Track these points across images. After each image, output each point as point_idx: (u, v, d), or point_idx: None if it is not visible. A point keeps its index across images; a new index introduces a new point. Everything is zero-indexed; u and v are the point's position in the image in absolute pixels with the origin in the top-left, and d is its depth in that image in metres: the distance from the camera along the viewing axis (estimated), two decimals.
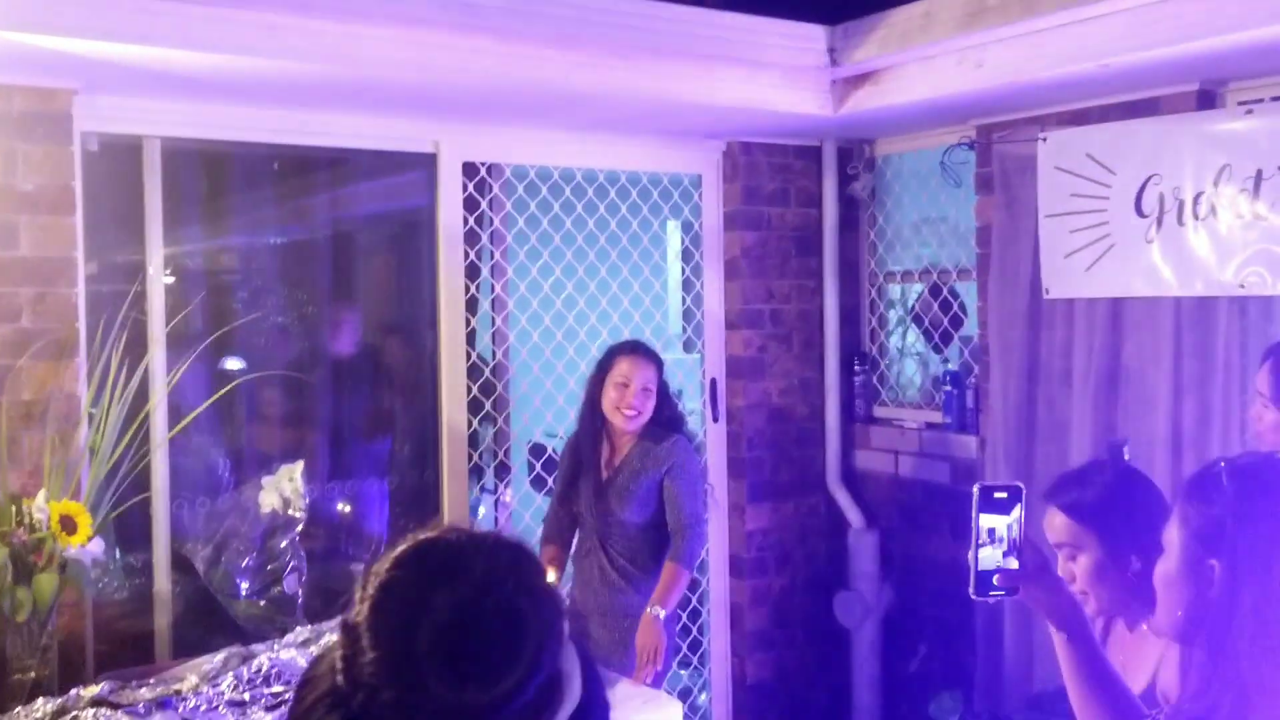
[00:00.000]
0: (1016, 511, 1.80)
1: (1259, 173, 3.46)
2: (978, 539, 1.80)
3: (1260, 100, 3.60)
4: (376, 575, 1.12)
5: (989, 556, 1.80)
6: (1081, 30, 3.28)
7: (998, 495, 1.80)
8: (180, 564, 3.68)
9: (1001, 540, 1.79)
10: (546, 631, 1.11)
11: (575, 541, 3.85)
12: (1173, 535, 1.59)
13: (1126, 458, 2.81)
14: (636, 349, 3.75)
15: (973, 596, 1.82)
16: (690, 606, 4.73)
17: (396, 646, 1.07)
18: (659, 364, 3.74)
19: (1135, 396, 3.90)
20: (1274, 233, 3.44)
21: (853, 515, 4.93)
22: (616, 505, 3.66)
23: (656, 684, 3.56)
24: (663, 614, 3.56)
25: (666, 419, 3.76)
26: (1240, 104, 3.65)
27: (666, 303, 4.99)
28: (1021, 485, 1.81)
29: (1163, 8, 3.07)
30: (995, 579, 1.79)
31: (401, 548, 1.14)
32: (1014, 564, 1.79)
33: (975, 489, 1.81)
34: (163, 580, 3.71)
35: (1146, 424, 3.83)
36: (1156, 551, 1.64)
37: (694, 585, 4.71)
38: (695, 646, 4.81)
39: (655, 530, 3.70)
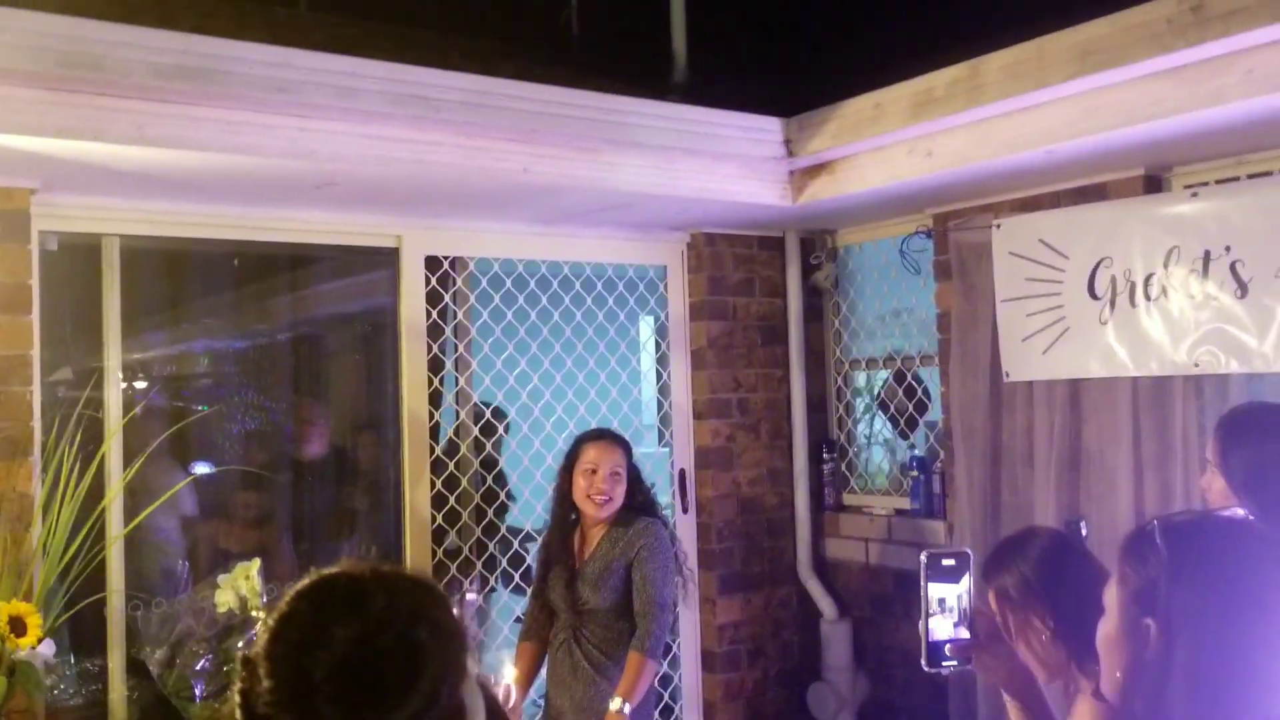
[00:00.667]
0: (965, 580, 1.79)
1: (1206, 254, 3.53)
2: (928, 609, 1.78)
3: (1205, 184, 3.69)
4: (277, 608, 1.12)
5: (940, 626, 1.78)
6: (1026, 118, 3.36)
7: (945, 563, 1.79)
8: (137, 669, 3.59)
9: (952, 610, 1.78)
10: (447, 665, 1.11)
11: (551, 636, 3.77)
12: (1111, 596, 1.58)
13: (1084, 534, 2.83)
14: (602, 435, 3.73)
15: (925, 668, 1.80)
16: (662, 703, 4.64)
17: (292, 676, 1.07)
18: (626, 448, 3.70)
19: (1097, 476, 3.92)
20: (1225, 312, 3.49)
21: (825, 605, 4.89)
22: (589, 593, 3.59)
23: None
24: (627, 707, 3.44)
25: (639, 505, 3.70)
26: (1186, 188, 3.73)
27: (634, 394, 4.99)
28: (969, 551, 1.80)
29: (1104, 95, 3.15)
30: (948, 649, 1.78)
31: (303, 581, 1.14)
32: (965, 633, 1.78)
33: (923, 557, 1.80)
34: (118, 685, 3.62)
35: (1109, 503, 3.84)
36: (1085, 614, 1.64)
37: (665, 680, 4.64)
38: None
39: (629, 618, 3.61)
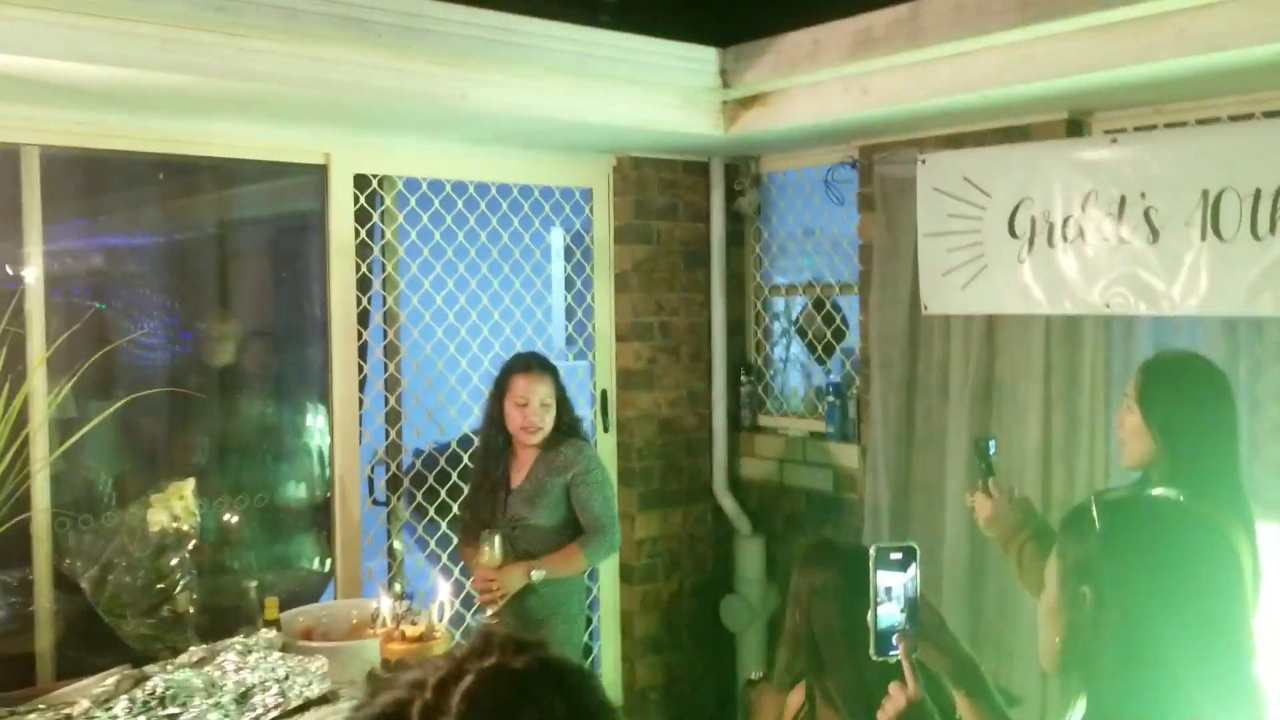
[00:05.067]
0: (912, 570, 1.85)
1: (1123, 199, 3.65)
2: (876, 599, 1.84)
3: (1124, 130, 3.81)
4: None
5: (888, 615, 1.84)
6: (963, 63, 3.42)
7: (893, 556, 1.85)
8: (61, 583, 3.58)
9: (899, 599, 1.84)
10: None
11: None
12: (1051, 570, 1.69)
13: (993, 453, 2.98)
14: (529, 366, 3.80)
15: (874, 657, 1.86)
16: (591, 626, 4.79)
17: None
18: (555, 376, 3.81)
19: (1008, 409, 4.08)
20: (1137, 256, 3.63)
21: (739, 522, 5.05)
22: (526, 510, 3.76)
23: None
24: (537, 574, 3.63)
25: (566, 426, 3.84)
26: (1106, 132, 3.85)
27: (549, 310, 5.03)
28: (915, 545, 1.86)
29: (1040, 45, 3.22)
30: (895, 638, 1.84)
31: (461, 679, 1.05)
32: (912, 623, 1.84)
33: (872, 550, 1.86)
34: (44, 601, 3.60)
35: (1018, 435, 4.01)
36: None
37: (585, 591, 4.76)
38: (586, 652, 4.86)
39: (565, 533, 3.79)
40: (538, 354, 3.95)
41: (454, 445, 4.51)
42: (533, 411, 3.72)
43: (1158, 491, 1.75)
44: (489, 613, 3.64)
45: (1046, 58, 3.24)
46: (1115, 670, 1.56)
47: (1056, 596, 1.66)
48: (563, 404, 3.82)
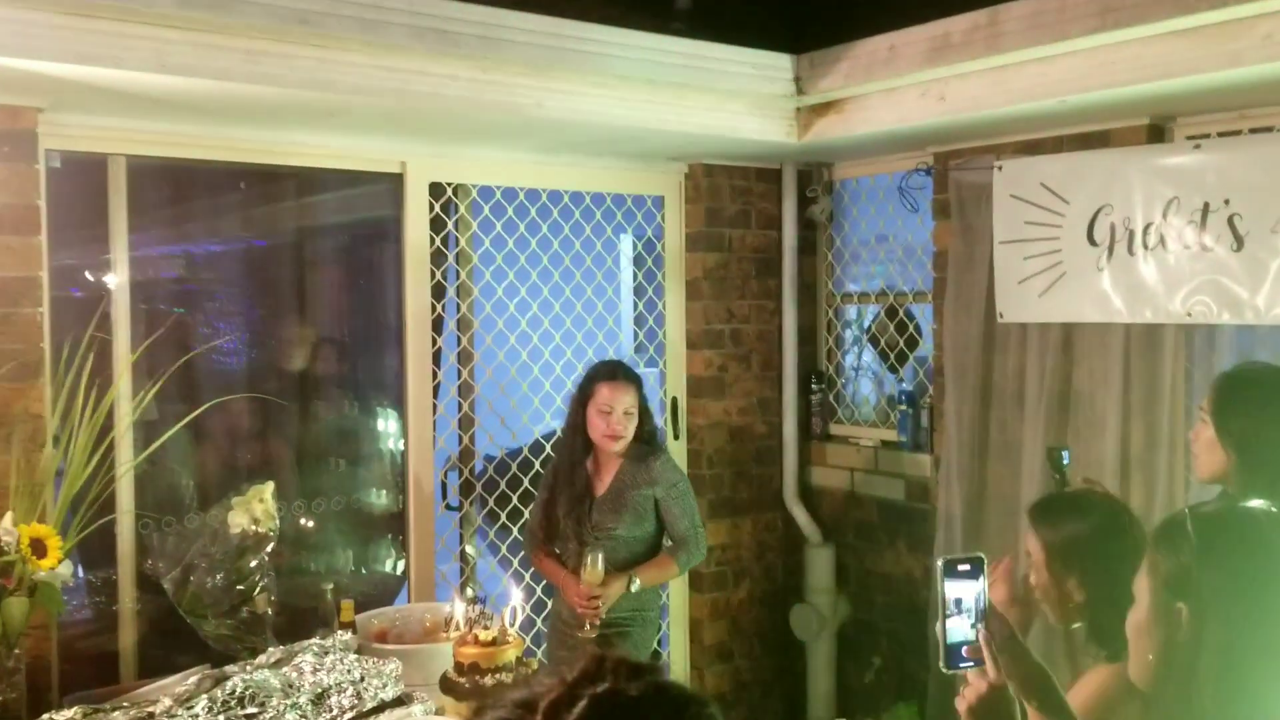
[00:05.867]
0: (981, 580, 1.82)
1: (1205, 206, 3.59)
2: (945, 611, 1.81)
3: (1207, 135, 3.74)
4: None
5: (957, 628, 1.81)
6: (1042, 68, 3.38)
7: (961, 567, 1.82)
8: (144, 583, 3.66)
9: (969, 610, 1.81)
10: None
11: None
12: (1142, 584, 1.66)
13: (1066, 464, 2.93)
14: (615, 374, 3.81)
15: (943, 670, 1.83)
16: (660, 633, 4.81)
17: None
18: (640, 386, 3.83)
19: (1085, 419, 4.02)
20: (1219, 264, 3.56)
21: (809, 531, 5.02)
22: (611, 521, 3.77)
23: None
24: (636, 584, 3.68)
25: (645, 434, 3.86)
26: (1188, 139, 3.78)
27: (624, 320, 5.06)
28: (983, 555, 1.83)
29: (1121, 50, 3.18)
30: (964, 650, 1.81)
31: (583, 707, 1.03)
32: (982, 633, 1.81)
33: (939, 563, 1.83)
34: (127, 601, 3.69)
35: (1095, 446, 3.95)
36: (1116, 595, 1.70)
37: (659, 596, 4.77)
38: (655, 658, 4.86)
39: (650, 543, 3.83)
40: (623, 363, 3.98)
41: (526, 451, 4.54)
42: (616, 420, 3.73)
43: (1254, 503, 1.70)
44: (588, 626, 3.63)
45: (1128, 63, 3.19)
46: (1215, 686, 1.53)
47: (1149, 612, 1.63)
48: (645, 413, 3.84)
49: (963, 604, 1.81)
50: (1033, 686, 1.82)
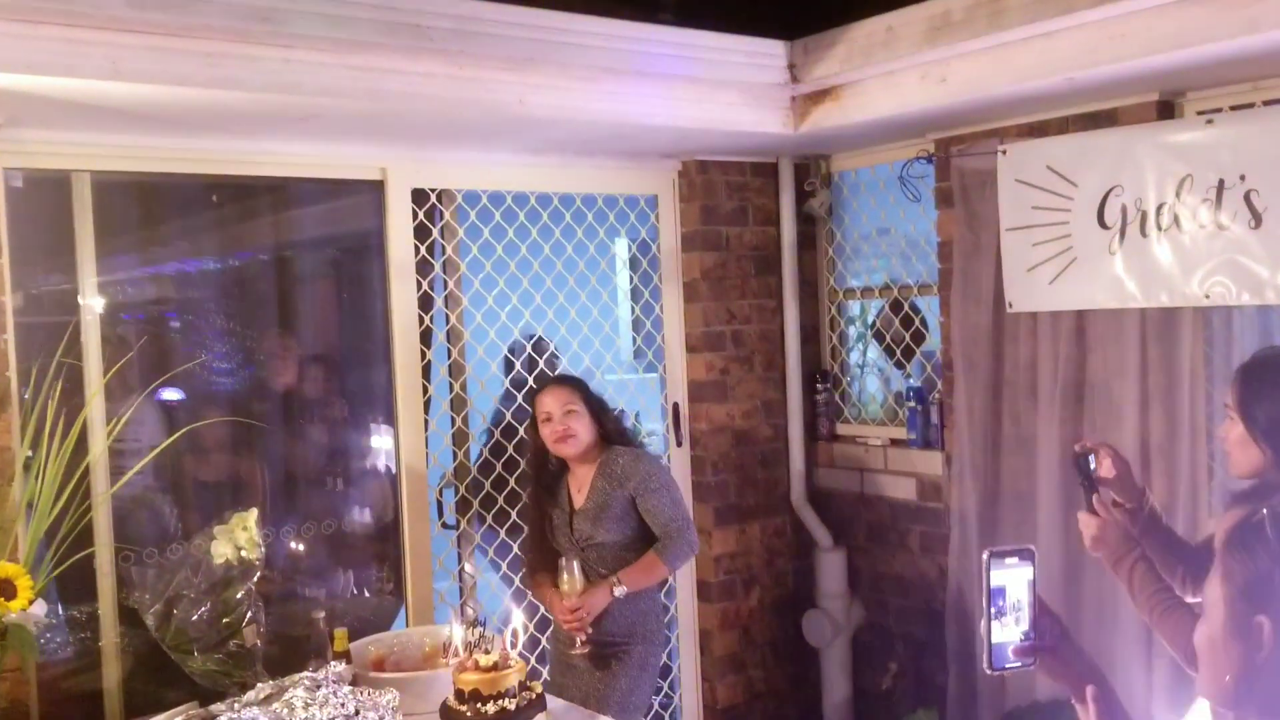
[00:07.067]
0: (1029, 574, 1.68)
1: (1221, 182, 3.44)
2: (990, 609, 1.67)
3: (1219, 110, 3.59)
4: None
5: (1003, 627, 1.68)
6: (1047, 44, 3.23)
7: (1009, 560, 1.68)
8: (128, 618, 3.51)
9: (1017, 608, 1.68)
10: None
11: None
12: (1215, 593, 1.47)
13: (1093, 467, 2.77)
14: (547, 381, 3.82)
15: (988, 671, 1.70)
16: (669, 645, 4.66)
17: None
18: (574, 384, 3.75)
19: (1101, 409, 3.87)
20: (1237, 243, 3.41)
21: (819, 534, 4.87)
22: (591, 529, 3.64)
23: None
24: (620, 590, 3.54)
25: (613, 434, 3.74)
26: (1200, 114, 3.63)
27: (621, 325, 4.90)
28: (1032, 548, 1.68)
29: (1130, 21, 3.03)
30: (1011, 650, 1.68)
31: None
32: (1030, 634, 1.68)
33: (985, 555, 1.68)
34: (110, 638, 3.53)
35: (1113, 436, 3.78)
36: None
37: (663, 610, 4.62)
38: (665, 672, 4.70)
39: (636, 547, 3.66)
40: (559, 374, 3.95)
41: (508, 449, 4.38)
42: (558, 421, 3.64)
43: None
44: (579, 643, 3.52)
45: (1137, 35, 3.03)
46: None
47: (1223, 624, 1.45)
48: (599, 411, 3.73)
49: (1009, 603, 1.68)
50: (1084, 686, 1.68)
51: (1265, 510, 1.45)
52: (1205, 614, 1.49)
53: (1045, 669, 1.68)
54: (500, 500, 4.35)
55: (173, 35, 2.82)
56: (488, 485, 4.33)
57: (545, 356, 4.54)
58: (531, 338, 4.51)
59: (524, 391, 4.34)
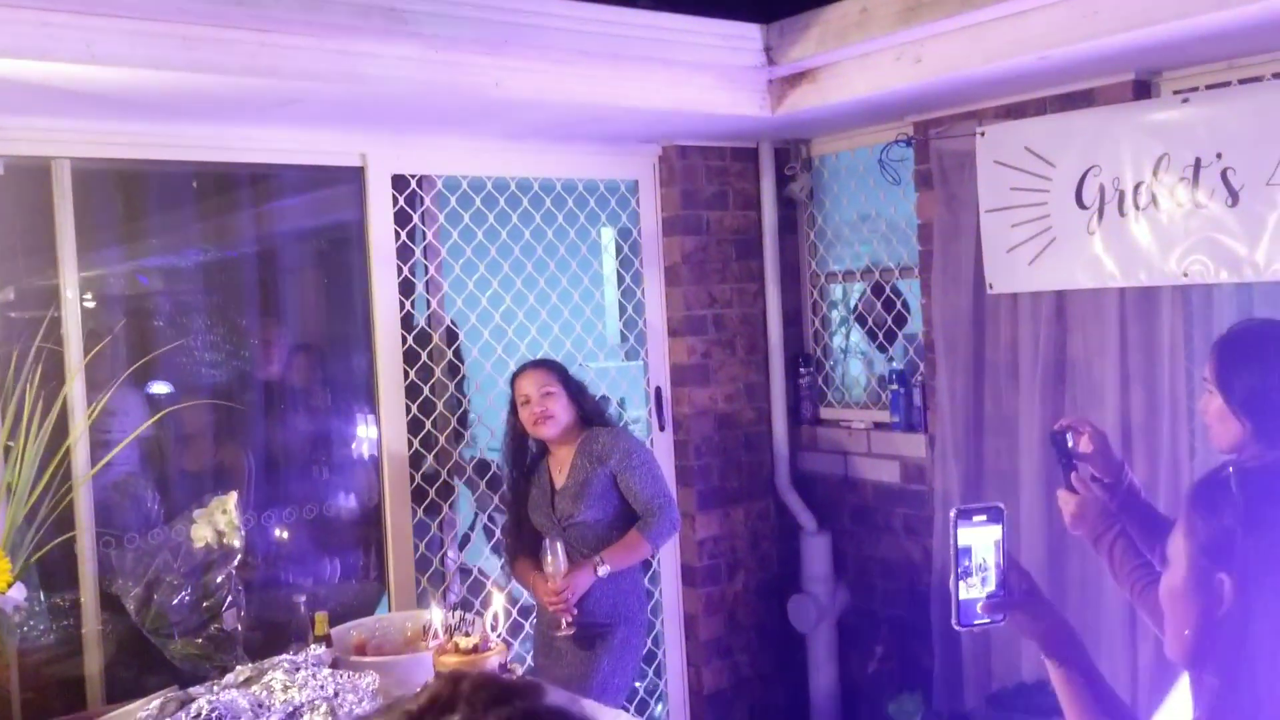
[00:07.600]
0: (998, 531, 1.68)
1: (1197, 161, 3.45)
2: (958, 566, 1.67)
3: (1195, 89, 3.60)
4: None
5: (971, 584, 1.68)
6: (1021, 22, 3.24)
7: (976, 517, 1.69)
8: (110, 603, 3.50)
9: (984, 566, 1.68)
10: None
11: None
12: (1178, 547, 1.47)
13: (1071, 444, 2.77)
14: (524, 366, 3.82)
15: (956, 627, 1.71)
16: (654, 632, 4.67)
17: None
18: (551, 367, 3.79)
19: (1083, 389, 3.89)
20: (1215, 221, 3.43)
21: (804, 518, 4.87)
22: (572, 507, 3.66)
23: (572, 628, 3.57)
24: (604, 569, 3.55)
25: (590, 414, 3.78)
26: (1176, 93, 3.64)
27: (599, 308, 4.90)
28: (1001, 505, 1.69)
29: None
30: (980, 607, 1.68)
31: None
32: (998, 590, 1.68)
33: (952, 514, 1.69)
34: (91, 624, 3.53)
35: (1095, 416, 3.79)
36: None
37: (646, 594, 4.63)
38: (650, 658, 4.71)
39: (619, 526, 3.69)
40: (536, 358, 3.97)
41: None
42: (536, 403, 3.66)
43: None
44: (564, 624, 3.53)
45: (1111, 11, 3.04)
46: (1268, 664, 1.35)
47: (1184, 579, 1.45)
48: (577, 393, 3.77)
49: (976, 560, 1.68)
50: (1056, 645, 1.68)
51: (1231, 467, 1.44)
52: (1168, 567, 1.50)
53: (1015, 625, 1.69)
54: (482, 485, 4.36)
55: (148, 19, 2.82)
56: (483, 484, 4.35)
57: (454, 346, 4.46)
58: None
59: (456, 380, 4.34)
